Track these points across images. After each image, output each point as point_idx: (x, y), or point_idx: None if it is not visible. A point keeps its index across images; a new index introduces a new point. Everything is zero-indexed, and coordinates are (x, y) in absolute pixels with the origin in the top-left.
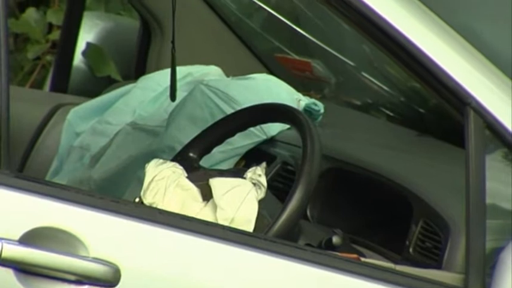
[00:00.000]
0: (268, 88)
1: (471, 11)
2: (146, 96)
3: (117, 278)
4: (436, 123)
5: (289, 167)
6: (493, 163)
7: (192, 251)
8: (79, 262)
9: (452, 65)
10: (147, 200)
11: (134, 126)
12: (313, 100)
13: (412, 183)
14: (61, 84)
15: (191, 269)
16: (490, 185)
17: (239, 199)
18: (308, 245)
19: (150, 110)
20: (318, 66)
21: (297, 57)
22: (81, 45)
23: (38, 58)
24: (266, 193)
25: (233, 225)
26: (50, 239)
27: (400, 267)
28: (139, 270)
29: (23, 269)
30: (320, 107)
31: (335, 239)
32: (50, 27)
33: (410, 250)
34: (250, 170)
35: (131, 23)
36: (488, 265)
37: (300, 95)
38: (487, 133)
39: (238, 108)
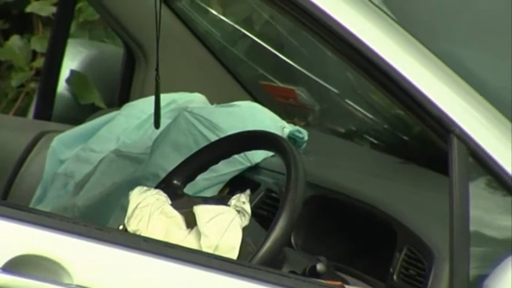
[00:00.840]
0: (252, 115)
1: (455, 38)
2: (130, 123)
3: None
4: (420, 151)
5: (274, 194)
6: (477, 190)
7: (176, 278)
8: None
9: (436, 93)
10: (131, 227)
11: (118, 153)
12: (297, 127)
13: (396, 211)
14: (45, 111)
15: None
16: (473, 212)
17: (223, 226)
18: (292, 272)
19: (134, 137)
20: (302, 93)
21: (281, 85)
22: (65, 73)
23: (21, 85)
24: (250, 220)
25: (217, 253)
26: (33, 267)
27: None
28: None
29: None
30: (304, 134)
31: (319, 267)
32: (34, 54)
33: (394, 277)
34: (234, 197)
35: (115, 51)
36: None
37: (284, 122)
38: (471, 160)
39: (222, 135)
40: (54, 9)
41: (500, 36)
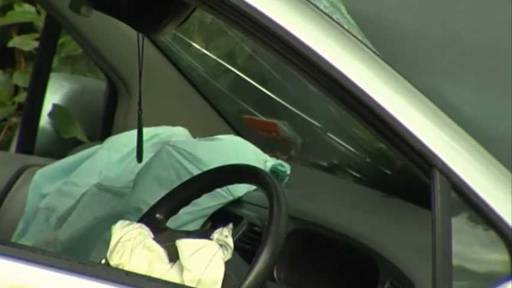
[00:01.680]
0: (234, 149)
1: (437, 73)
2: (112, 157)
3: None
4: (402, 185)
5: (256, 228)
6: (459, 225)
7: None
8: None
9: (419, 126)
10: (114, 261)
11: (100, 187)
12: (279, 161)
13: (379, 244)
14: (27, 145)
15: None
16: (455, 246)
17: (206, 260)
18: None
19: (116, 171)
20: (284, 127)
21: (263, 119)
22: (47, 107)
23: (4, 120)
24: (233, 254)
25: (200, 287)
26: None
27: None
28: None
29: None
30: (286, 168)
31: None
32: (16, 89)
33: None
34: (217, 231)
35: (97, 85)
36: None
37: (266, 156)
38: (453, 195)
39: (205, 169)
40: (36, 44)
41: (482, 72)
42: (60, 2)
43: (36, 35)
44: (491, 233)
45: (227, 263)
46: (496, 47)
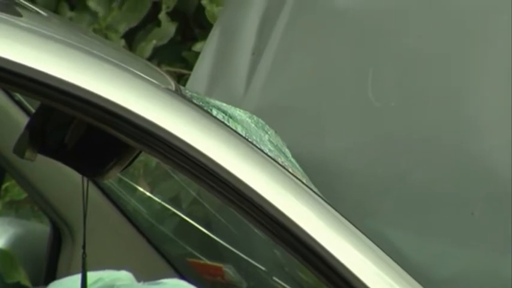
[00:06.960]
0: None
1: (381, 216)
2: None
3: None
4: None
5: None
6: None
7: None
8: None
9: (363, 270)
10: None
11: None
12: None
13: None
14: None
15: None
16: None
17: None
18: None
19: None
20: (229, 271)
21: (208, 262)
22: None
23: None
24: None
25: None
26: None
27: None
28: None
29: None
30: None
31: None
32: None
33: None
34: None
35: (42, 229)
36: None
37: None
38: None
39: None
40: None
41: (425, 214)
42: (4, 147)
43: None
44: None
45: None
46: (439, 188)
